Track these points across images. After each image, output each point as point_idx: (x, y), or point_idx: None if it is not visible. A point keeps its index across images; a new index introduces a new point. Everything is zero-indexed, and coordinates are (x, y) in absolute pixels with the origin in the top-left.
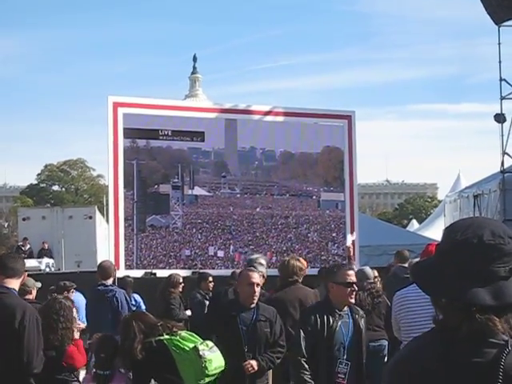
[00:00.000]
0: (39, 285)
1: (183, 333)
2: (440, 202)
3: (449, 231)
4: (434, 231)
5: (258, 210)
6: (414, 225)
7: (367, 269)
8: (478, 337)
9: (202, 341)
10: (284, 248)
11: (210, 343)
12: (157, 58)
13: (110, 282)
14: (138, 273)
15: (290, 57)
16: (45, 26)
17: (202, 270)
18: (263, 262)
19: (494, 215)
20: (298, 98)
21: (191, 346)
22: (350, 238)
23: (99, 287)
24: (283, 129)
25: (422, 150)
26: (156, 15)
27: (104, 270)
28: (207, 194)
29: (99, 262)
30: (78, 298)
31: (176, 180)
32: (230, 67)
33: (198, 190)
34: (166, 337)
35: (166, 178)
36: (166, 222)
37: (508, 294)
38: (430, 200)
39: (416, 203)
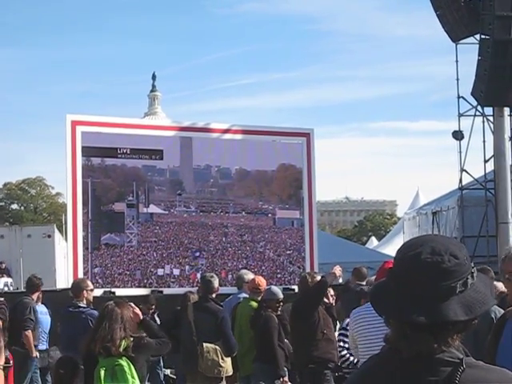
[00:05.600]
0: None
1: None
2: (399, 219)
3: (397, 250)
4: (393, 248)
5: (213, 227)
6: (374, 242)
7: (274, 288)
8: (417, 355)
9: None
10: (239, 266)
11: None
12: (116, 76)
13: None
14: (97, 292)
15: (251, 75)
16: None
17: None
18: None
19: (453, 232)
20: (259, 117)
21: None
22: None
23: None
24: (239, 146)
25: (381, 167)
26: (115, 34)
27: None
28: (162, 211)
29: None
30: (42, 310)
31: (131, 198)
32: (191, 86)
33: (153, 208)
34: None
35: (120, 196)
36: (120, 241)
37: (443, 312)
38: (389, 217)
39: (375, 220)
